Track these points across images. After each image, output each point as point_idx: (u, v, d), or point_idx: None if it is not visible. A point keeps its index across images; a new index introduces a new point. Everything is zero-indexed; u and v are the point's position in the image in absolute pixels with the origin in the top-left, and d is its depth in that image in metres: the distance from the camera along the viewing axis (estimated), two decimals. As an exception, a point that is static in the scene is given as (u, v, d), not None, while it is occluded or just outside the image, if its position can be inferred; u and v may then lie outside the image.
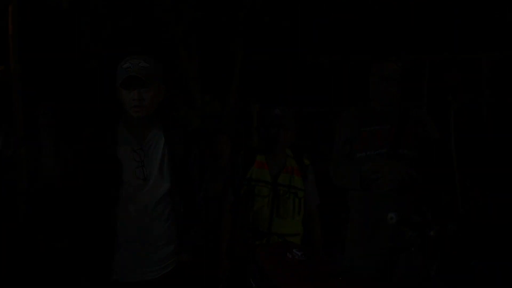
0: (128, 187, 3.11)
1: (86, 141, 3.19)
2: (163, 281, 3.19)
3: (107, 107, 3.62)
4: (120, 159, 3.10)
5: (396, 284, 3.44)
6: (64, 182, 3.27)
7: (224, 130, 9.09)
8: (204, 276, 3.43)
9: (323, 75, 11.74)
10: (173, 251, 3.23)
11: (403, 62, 3.50)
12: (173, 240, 3.23)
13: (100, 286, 3.16)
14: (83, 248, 3.19)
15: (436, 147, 3.50)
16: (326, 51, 11.78)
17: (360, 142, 3.54)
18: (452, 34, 10.69)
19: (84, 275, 3.18)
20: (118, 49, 12.48)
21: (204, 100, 11.83)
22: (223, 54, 13.52)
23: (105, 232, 3.11)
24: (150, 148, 3.16)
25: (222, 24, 12.69)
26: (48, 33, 12.99)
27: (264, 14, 12.15)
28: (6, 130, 7.86)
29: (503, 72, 9.09)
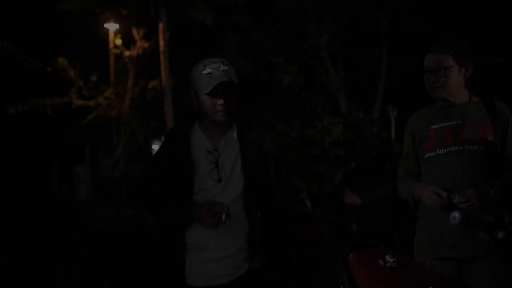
0: (203, 189, 3.06)
1: (162, 145, 3.19)
2: (233, 287, 3.09)
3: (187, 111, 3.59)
4: (194, 161, 3.06)
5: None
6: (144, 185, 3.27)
7: (366, 138, 8.90)
8: (274, 285, 3.26)
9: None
10: (246, 256, 3.12)
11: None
12: (245, 245, 3.10)
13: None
14: (158, 251, 3.17)
15: None
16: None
17: (428, 141, 3.26)
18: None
19: (158, 279, 3.16)
20: (262, 60, 12.63)
21: (348, 109, 11.66)
22: (367, 62, 13.29)
23: (179, 235, 3.08)
24: (225, 149, 3.09)
25: (365, 32, 12.47)
26: (196, 48, 13.35)
27: (409, 19, 11.78)
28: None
29: None
